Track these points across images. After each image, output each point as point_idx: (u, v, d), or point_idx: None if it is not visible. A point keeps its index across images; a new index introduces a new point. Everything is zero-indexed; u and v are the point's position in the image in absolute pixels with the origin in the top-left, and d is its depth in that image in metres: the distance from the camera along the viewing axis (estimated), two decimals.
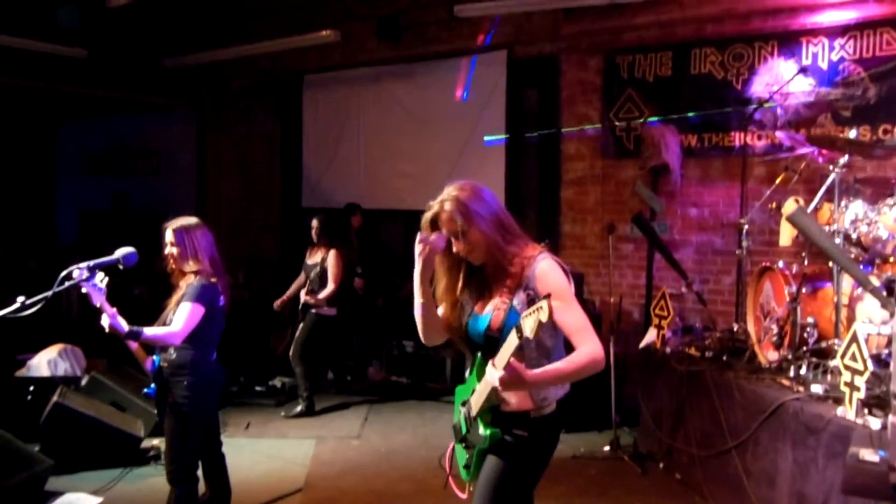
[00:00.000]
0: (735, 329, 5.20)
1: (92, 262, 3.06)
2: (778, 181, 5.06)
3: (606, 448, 5.36)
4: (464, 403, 2.62)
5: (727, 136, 6.14)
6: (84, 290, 3.19)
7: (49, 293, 2.74)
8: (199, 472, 3.93)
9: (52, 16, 7.28)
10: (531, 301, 2.32)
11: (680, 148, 6.21)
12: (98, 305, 3.27)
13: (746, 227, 5.23)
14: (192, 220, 3.72)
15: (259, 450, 5.51)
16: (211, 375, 3.72)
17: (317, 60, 8.31)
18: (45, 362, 6.02)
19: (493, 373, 2.26)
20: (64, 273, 2.99)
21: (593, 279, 6.71)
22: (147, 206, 10.24)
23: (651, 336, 5.47)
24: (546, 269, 2.43)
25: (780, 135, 5.82)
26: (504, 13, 6.91)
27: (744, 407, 4.15)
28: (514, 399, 2.48)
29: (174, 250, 3.63)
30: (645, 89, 6.50)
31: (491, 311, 2.48)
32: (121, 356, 4.00)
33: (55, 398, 5.09)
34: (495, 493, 2.47)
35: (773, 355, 4.40)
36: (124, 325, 3.36)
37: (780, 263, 4.47)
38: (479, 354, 2.51)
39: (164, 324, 3.58)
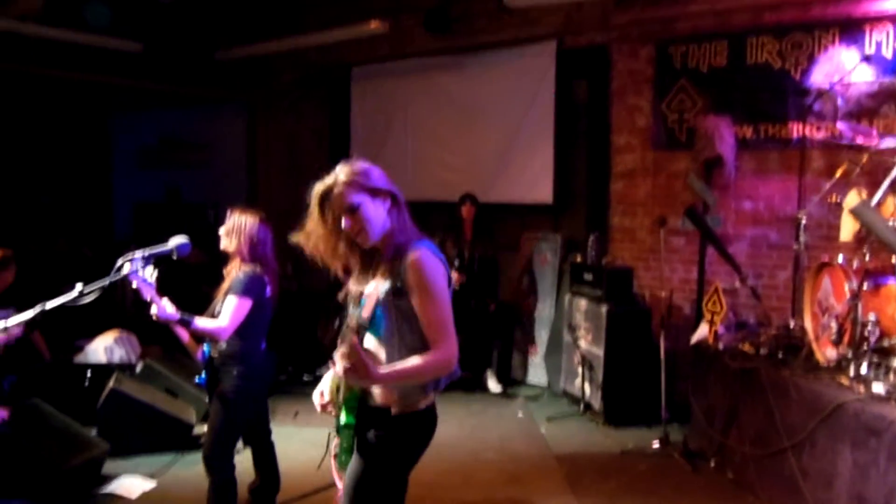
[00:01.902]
0: (791, 326, 5.05)
1: (147, 252, 3.11)
2: (838, 174, 4.87)
3: (656, 444, 5.28)
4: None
5: (784, 127, 5.96)
6: (134, 284, 3.26)
7: (106, 281, 2.79)
8: (248, 460, 4.00)
9: (108, 11, 7.44)
10: (397, 291, 2.31)
11: (735, 139, 6.05)
12: (149, 299, 3.34)
13: (804, 221, 5.08)
14: (254, 211, 3.78)
15: (307, 438, 5.57)
16: (261, 365, 3.77)
17: (365, 53, 8.34)
18: (102, 348, 6.19)
19: (340, 363, 2.20)
20: (120, 262, 3.05)
21: (643, 273, 6.60)
22: (198, 198, 10.43)
23: (703, 331, 5.37)
24: (417, 260, 2.34)
25: (840, 126, 5.63)
26: (554, 3, 6.82)
27: (800, 406, 4.03)
28: (377, 392, 2.41)
29: (223, 228, 3.72)
30: (699, 79, 6.34)
31: (365, 300, 2.43)
32: (174, 344, 4.09)
33: (111, 384, 5.24)
34: (353, 494, 2.42)
35: (831, 353, 4.27)
36: (175, 313, 3.43)
37: (840, 258, 4.32)
38: None
39: (214, 314, 3.64)
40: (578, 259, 6.69)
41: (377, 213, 2.41)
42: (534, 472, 4.98)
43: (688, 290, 6.41)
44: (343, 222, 2.42)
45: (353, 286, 2.55)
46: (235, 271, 3.68)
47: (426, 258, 2.36)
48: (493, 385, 6.97)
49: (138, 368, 5.82)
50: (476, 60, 7.71)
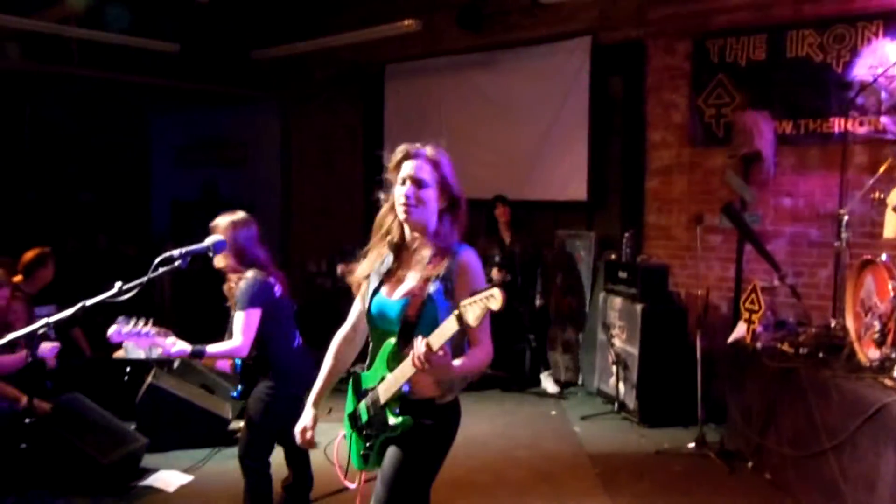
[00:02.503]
0: (832, 325, 4.94)
1: (184, 250, 3.14)
2: (882, 169, 4.75)
3: (691, 444, 5.22)
4: (363, 391, 2.59)
5: (825, 122, 5.82)
6: (124, 344, 3.18)
7: (144, 279, 2.83)
8: (281, 459, 4.02)
9: (147, 13, 7.57)
10: (447, 291, 2.36)
11: (774, 135, 5.94)
12: (147, 348, 3.29)
13: (846, 217, 4.96)
14: (228, 215, 3.65)
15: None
16: (295, 366, 3.72)
17: (398, 50, 8.36)
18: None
19: (421, 350, 2.20)
20: (158, 259, 3.08)
21: (679, 271, 6.51)
22: (234, 196, 10.55)
23: (740, 330, 5.28)
24: (470, 261, 2.45)
25: (884, 120, 5.49)
26: None
27: (842, 407, 3.94)
28: (421, 386, 2.45)
29: None
30: (737, 74, 6.23)
31: (406, 298, 2.43)
32: (210, 342, 4.14)
33: (150, 380, 5.33)
34: (396, 483, 2.45)
35: (874, 353, 4.16)
36: (186, 348, 3.41)
37: (884, 256, 4.21)
38: (390, 342, 2.46)
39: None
40: (613, 257, 6.62)
41: (432, 202, 2.48)
42: (566, 471, 4.95)
43: (725, 288, 6.32)
44: (405, 187, 2.46)
45: (367, 267, 2.61)
46: (235, 284, 3.56)
47: (475, 262, 2.47)
48: (551, 386, 6.86)
49: (176, 365, 5.90)
50: (509, 57, 7.67)
